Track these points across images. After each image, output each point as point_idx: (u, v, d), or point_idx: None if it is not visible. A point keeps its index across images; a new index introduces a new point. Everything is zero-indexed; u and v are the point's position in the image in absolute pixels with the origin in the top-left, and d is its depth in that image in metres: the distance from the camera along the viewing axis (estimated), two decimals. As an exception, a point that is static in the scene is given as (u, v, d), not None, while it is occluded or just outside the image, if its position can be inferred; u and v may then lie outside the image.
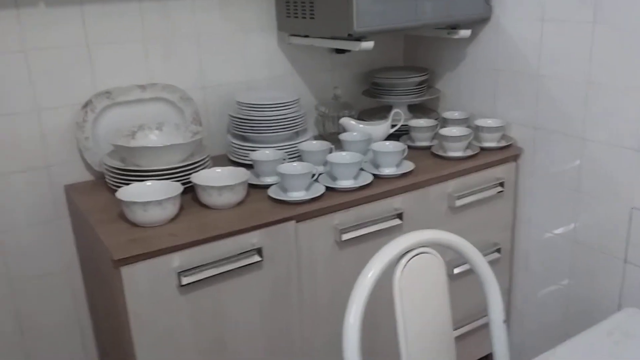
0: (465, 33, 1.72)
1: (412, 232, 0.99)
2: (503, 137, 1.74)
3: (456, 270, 1.65)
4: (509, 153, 1.71)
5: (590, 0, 1.45)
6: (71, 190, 1.53)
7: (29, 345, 1.60)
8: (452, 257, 1.59)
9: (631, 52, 1.40)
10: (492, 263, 1.77)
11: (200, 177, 1.38)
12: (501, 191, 1.71)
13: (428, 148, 1.73)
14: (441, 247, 1.02)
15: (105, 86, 1.56)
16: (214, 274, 1.26)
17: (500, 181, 1.70)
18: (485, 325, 1.12)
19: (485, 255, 1.76)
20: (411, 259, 0.97)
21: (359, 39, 1.53)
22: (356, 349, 0.91)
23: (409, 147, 1.69)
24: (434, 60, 1.97)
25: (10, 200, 1.50)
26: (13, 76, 1.45)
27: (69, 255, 1.61)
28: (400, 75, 1.88)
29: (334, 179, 1.47)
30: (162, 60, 1.64)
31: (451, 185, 1.62)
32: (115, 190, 1.32)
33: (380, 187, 1.49)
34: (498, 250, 1.77)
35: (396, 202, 1.52)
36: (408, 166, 1.56)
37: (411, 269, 0.98)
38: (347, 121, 1.72)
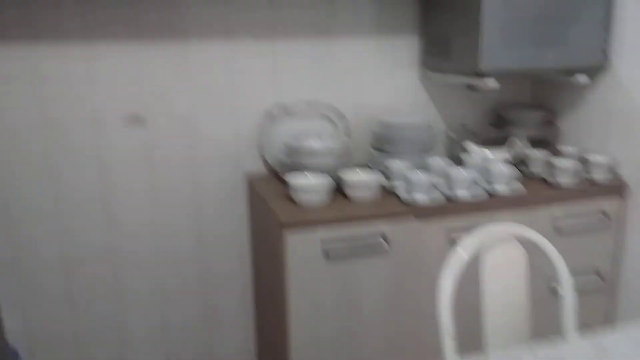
0: (582, 78, 1.97)
1: (507, 223, 1.31)
2: (612, 173, 1.94)
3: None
4: (615, 188, 1.92)
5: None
6: (250, 177, 2.04)
7: (207, 288, 2.14)
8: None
9: None
10: (592, 286, 1.96)
11: (346, 175, 1.80)
12: (605, 222, 1.91)
13: (541, 176, 1.99)
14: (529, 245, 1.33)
15: (283, 102, 2.07)
16: (350, 247, 1.67)
17: (604, 212, 1.91)
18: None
19: (584, 276, 1.96)
20: (499, 246, 1.30)
21: (485, 76, 1.86)
22: (447, 307, 1.23)
23: (524, 173, 1.97)
24: (556, 100, 2.22)
25: (208, 179, 2.06)
26: (221, 91, 2.01)
27: (243, 225, 2.12)
28: (523, 111, 2.16)
29: (451, 189, 1.81)
30: (325, 85, 2.11)
31: (557, 209, 1.87)
32: (284, 180, 1.79)
33: (492, 201, 1.80)
34: (598, 274, 1.97)
35: (505, 217, 1.82)
36: (518, 187, 1.85)
37: (499, 255, 1.30)
38: (471, 145, 2.04)
